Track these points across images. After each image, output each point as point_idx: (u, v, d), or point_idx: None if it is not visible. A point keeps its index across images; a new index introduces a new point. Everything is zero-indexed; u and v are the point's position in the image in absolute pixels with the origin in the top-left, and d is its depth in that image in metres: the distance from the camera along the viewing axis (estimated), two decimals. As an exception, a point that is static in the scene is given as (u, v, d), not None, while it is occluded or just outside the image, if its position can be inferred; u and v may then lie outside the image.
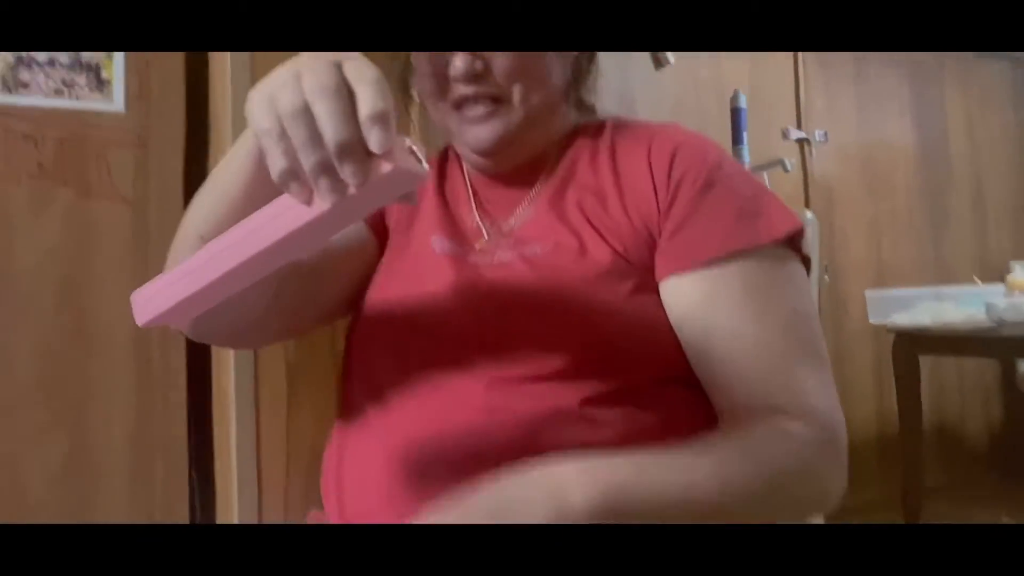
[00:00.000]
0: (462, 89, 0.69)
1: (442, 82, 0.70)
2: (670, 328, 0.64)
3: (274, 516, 1.37)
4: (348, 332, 0.76)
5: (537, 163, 0.74)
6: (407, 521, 0.52)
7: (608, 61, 0.83)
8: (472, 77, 0.68)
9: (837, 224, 2.70)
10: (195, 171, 1.36)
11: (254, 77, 1.25)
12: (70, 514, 1.25)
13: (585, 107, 0.81)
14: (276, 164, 0.46)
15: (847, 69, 2.71)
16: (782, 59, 2.53)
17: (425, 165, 0.48)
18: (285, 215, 0.47)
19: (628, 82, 2.09)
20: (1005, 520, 2.66)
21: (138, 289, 0.52)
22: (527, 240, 0.69)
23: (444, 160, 0.81)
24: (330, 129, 0.45)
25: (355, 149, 0.45)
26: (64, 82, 1.28)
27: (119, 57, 1.32)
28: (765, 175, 2.23)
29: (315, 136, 0.45)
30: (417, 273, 0.71)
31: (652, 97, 1.98)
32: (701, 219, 0.65)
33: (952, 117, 3.11)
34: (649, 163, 0.68)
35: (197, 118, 1.37)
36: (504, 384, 0.61)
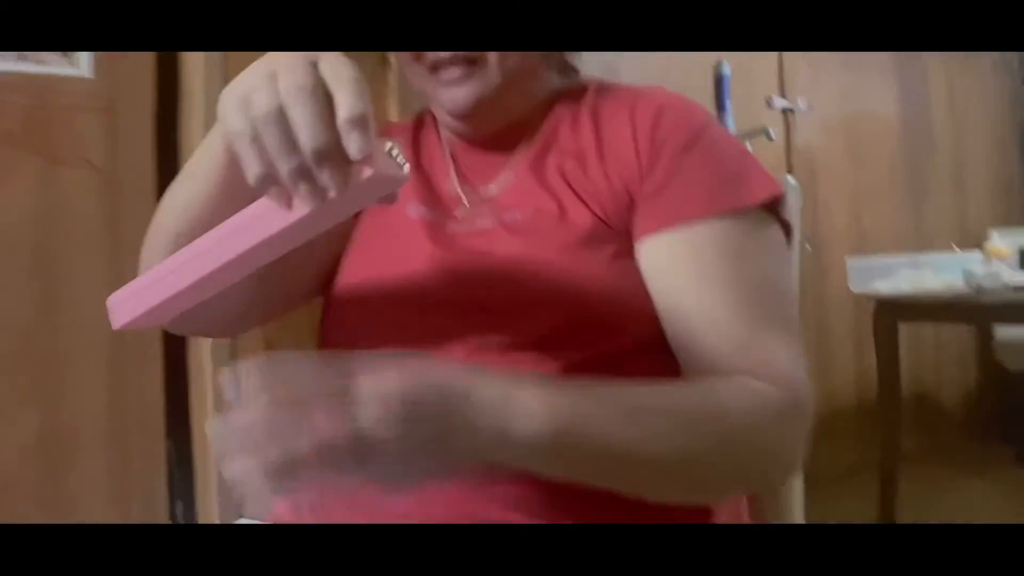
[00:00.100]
0: (438, 51, 0.67)
1: None
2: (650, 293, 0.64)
3: (254, 487, 1.36)
4: (324, 304, 0.75)
5: (518, 128, 0.73)
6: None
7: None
8: None
9: (819, 193, 2.70)
10: (166, 137, 1.33)
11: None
12: (44, 490, 1.23)
13: (568, 70, 0.79)
14: (252, 169, 0.46)
15: (831, 36, 2.70)
16: (766, 25, 2.50)
17: (406, 169, 0.47)
18: (265, 217, 0.47)
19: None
20: (980, 484, 2.72)
21: (114, 293, 0.52)
22: (507, 207, 0.68)
23: (420, 127, 0.79)
24: (306, 134, 0.44)
25: (333, 155, 0.44)
26: (28, 45, 1.24)
27: (85, 19, 1.28)
28: (748, 144, 2.22)
29: (290, 141, 0.44)
30: (394, 243, 0.70)
31: (637, 66, 1.95)
32: (681, 180, 0.64)
33: (935, 87, 3.12)
34: (632, 125, 0.67)
35: (167, 83, 1.34)
36: (484, 352, 0.61)
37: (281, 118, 0.44)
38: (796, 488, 0.81)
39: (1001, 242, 2.26)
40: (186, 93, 1.32)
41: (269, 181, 0.46)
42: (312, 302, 0.78)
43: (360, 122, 0.44)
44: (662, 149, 0.65)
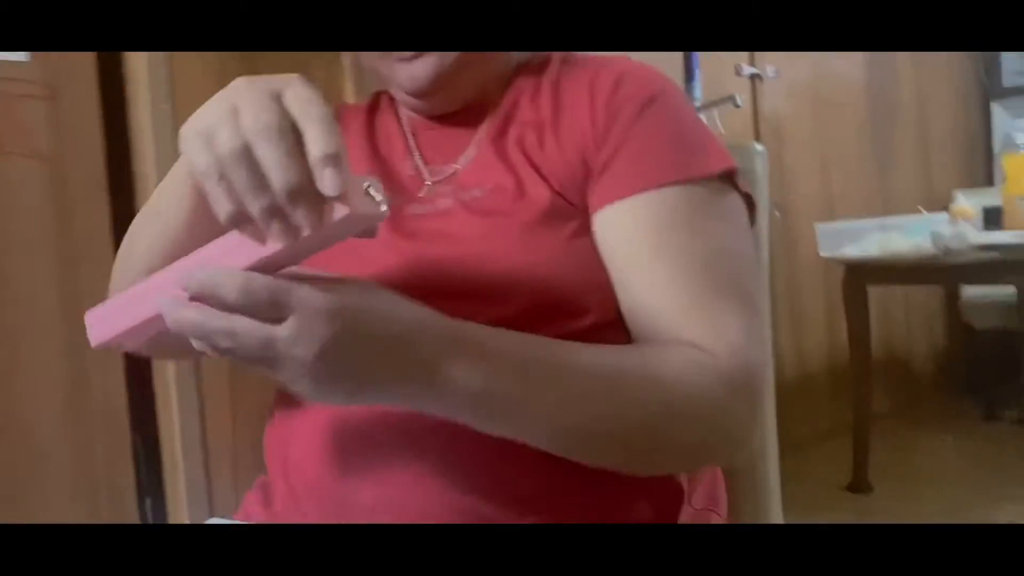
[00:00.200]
0: (392, 27, 0.64)
1: None
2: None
3: (223, 477, 1.34)
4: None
5: (481, 103, 0.71)
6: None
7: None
8: None
9: (787, 160, 2.70)
10: (113, 123, 1.28)
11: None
12: (5, 491, 1.20)
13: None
14: (222, 207, 0.44)
15: (796, 0, 2.68)
16: (731, -10, 2.48)
17: (384, 206, 0.46)
18: (238, 251, 0.46)
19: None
20: (949, 440, 2.78)
21: (92, 308, 0.52)
22: (468, 184, 0.67)
23: (375, 109, 0.77)
24: (276, 174, 0.43)
25: (306, 193, 0.43)
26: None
27: None
28: (716, 112, 2.21)
29: (260, 180, 0.43)
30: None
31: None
32: (634, 147, 0.63)
33: (900, 52, 3.12)
34: (591, 94, 0.66)
35: (110, 66, 1.28)
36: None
37: (248, 156, 0.43)
38: (771, 450, 0.81)
39: (966, 203, 2.28)
40: (130, 76, 1.26)
41: (241, 219, 0.44)
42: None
43: (333, 160, 0.43)
44: (618, 115, 0.64)
